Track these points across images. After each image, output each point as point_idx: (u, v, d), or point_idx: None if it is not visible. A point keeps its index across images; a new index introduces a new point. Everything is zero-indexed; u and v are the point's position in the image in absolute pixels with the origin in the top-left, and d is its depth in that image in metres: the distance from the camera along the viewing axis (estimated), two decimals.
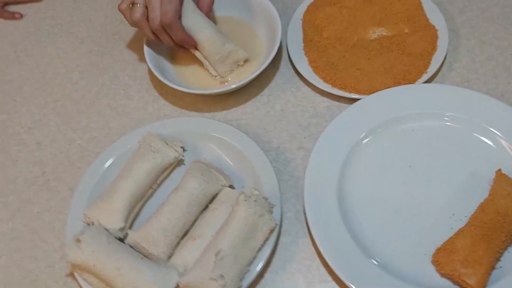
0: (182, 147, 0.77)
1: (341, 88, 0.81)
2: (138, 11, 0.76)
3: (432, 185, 0.71)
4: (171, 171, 0.77)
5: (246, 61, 0.85)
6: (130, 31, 0.95)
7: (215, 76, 0.84)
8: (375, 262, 0.65)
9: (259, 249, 0.67)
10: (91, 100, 0.88)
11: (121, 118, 0.85)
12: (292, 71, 0.87)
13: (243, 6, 0.89)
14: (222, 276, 0.62)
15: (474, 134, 0.74)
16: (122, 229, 0.70)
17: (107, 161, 0.77)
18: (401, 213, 0.69)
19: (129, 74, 0.90)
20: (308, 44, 0.86)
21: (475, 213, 0.66)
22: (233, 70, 0.84)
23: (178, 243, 0.69)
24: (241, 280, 0.65)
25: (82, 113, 0.87)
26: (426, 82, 0.80)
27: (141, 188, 0.72)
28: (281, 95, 0.84)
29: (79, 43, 0.95)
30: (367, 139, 0.75)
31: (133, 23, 0.78)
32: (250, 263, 0.66)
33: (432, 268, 0.65)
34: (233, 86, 0.79)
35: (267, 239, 0.67)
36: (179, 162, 0.77)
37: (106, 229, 0.69)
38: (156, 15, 0.74)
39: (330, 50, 0.85)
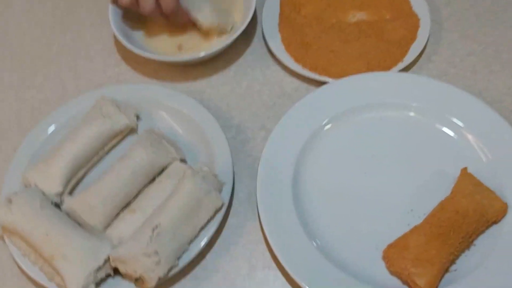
0: (136, 115, 0.72)
1: (311, 69, 0.76)
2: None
3: (393, 178, 0.67)
4: (121, 139, 0.72)
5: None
6: None
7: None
8: (323, 254, 0.61)
9: (202, 228, 0.62)
10: (50, 59, 0.83)
11: (79, 80, 0.80)
12: (265, 49, 0.82)
13: None
14: (156, 252, 0.58)
15: (438, 125, 0.70)
16: (59, 194, 0.66)
17: (54, 122, 0.72)
18: (358, 204, 0.65)
19: (93, 35, 0.85)
20: (284, 21, 0.82)
21: (433, 211, 0.62)
22: None
23: (118, 214, 0.65)
24: (178, 258, 0.60)
25: (39, 71, 0.82)
26: (401, 71, 0.76)
27: (86, 153, 0.68)
28: (249, 72, 0.80)
29: None
30: (330, 125, 0.71)
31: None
32: (191, 241, 0.62)
33: (382, 265, 0.61)
34: (200, 55, 0.75)
35: (212, 218, 0.63)
36: (131, 131, 0.73)
37: (43, 193, 0.65)
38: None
39: (306, 29, 0.80)
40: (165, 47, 0.80)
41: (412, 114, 0.71)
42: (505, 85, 0.75)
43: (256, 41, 0.83)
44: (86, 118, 0.70)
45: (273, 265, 0.63)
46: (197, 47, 0.80)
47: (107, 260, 0.59)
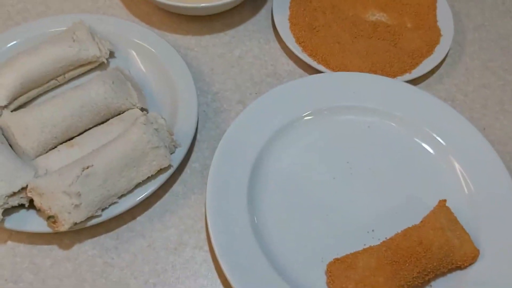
0: (110, 50, 0.66)
1: (310, 55, 0.69)
2: None
3: (362, 190, 0.60)
4: (87, 72, 0.66)
5: None
6: None
7: None
8: (263, 250, 0.54)
9: (139, 184, 0.56)
10: None
11: (65, 2, 0.74)
12: (269, 22, 0.76)
13: None
14: (79, 194, 0.51)
15: (425, 145, 0.63)
16: (2, 108, 0.59)
17: (25, 34, 0.66)
18: (316, 208, 0.58)
19: None
20: None
21: (395, 236, 0.55)
22: None
23: (55, 146, 0.58)
24: (102, 209, 0.54)
25: None
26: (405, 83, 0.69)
27: (42, 72, 0.61)
28: (245, 42, 0.73)
29: None
30: (309, 117, 0.64)
31: None
32: (122, 195, 0.55)
33: (323, 279, 0.54)
34: (201, 5, 0.68)
35: (153, 177, 0.56)
36: (101, 66, 0.66)
37: None
38: None
39: (318, 14, 0.74)
40: None
41: (399, 127, 0.64)
42: None
43: (264, 12, 0.77)
44: (55, 37, 0.64)
45: (206, 247, 0.56)
46: None
47: (24, 188, 0.52)
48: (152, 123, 0.56)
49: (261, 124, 0.62)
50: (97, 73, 0.64)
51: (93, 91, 0.59)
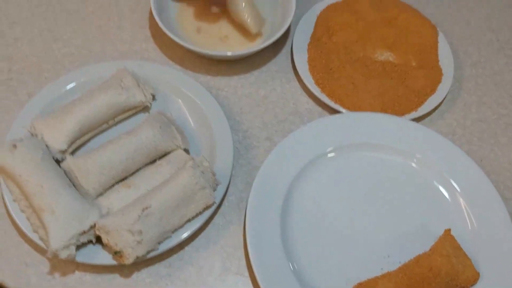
0: (152, 94, 0.74)
1: (328, 96, 0.78)
2: None
3: (379, 220, 0.69)
4: (133, 114, 0.74)
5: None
6: None
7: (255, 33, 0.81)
8: (296, 276, 0.63)
9: (188, 220, 0.64)
10: (83, 17, 0.84)
11: (105, 45, 0.82)
12: (289, 62, 0.84)
13: None
14: (140, 232, 0.60)
15: (435, 183, 0.72)
16: (62, 152, 0.67)
17: (74, 80, 0.74)
18: (339, 237, 0.67)
19: (130, 5, 0.87)
20: (315, 42, 0.84)
21: (409, 262, 0.64)
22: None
23: (112, 186, 0.66)
24: (159, 243, 0.62)
25: (69, 26, 0.83)
26: (412, 120, 0.78)
27: (96, 118, 0.69)
28: (269, 81, 0.82)
29: None
30: (332, 154, 0.73)
31: None
32: (174, 230, 0.63)
33: None
34: (228, 53, 0.77)
35: (200, 213, 0.65)
36: (144, 109, 0.75)
37: (47, 146, 0.66)
38: None
39: (333, 56, 0.82)
40: (187, 26, 0.82)
41: (413, 164, 0.73)
42: (507, 159, 0.78)
43: (284, 52, 0.85)
44: (104, 85, 0.71)
45: (246, 273, 0.65)
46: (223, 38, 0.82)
47: (93, 227, 0.61)
48: (198, 166, 0.65)
49: (289, 162, 0.70)
50: (145, 117, 0.71)
51: (144, 136, 0.67)
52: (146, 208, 0.61)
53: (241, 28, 0.82)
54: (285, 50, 0.85)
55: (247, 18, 0.80)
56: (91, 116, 0.69)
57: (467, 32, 0.91)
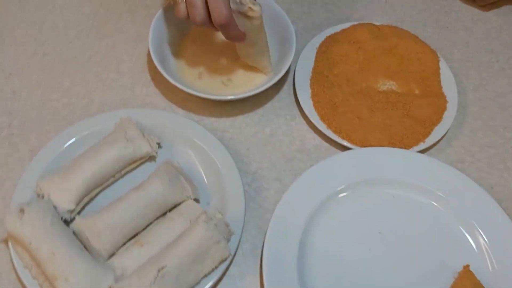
0: (158, 143, 0.73)
1: (335, 132, 0.77)
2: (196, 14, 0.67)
3: (396, 259, 0.68)
4: (139, 165, 0.73)
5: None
6: (144, 3, 0.90)
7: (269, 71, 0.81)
8: None
9: (205, 276, 0.63)
10: (81, 64, 0.83)
11: (105, 93, 0.80)
12: (292, 98, 0.83)
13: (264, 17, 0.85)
14: None
15: (459, 226, 0.71)
16: (71, 212, 0.66)
17: (78, 134, 0.72)
18: (357, 278, 0.67)
19: (127, 48, 0.86)
20: (316, 76, 0.83)
21: None
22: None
23: (124, 244, 0.65)
24: None
25: (68, 75, 0.82)
26: (421, 151, 0.77)
27: (103, 174, 0.68)
28: (274, 119, 0.81)
29: (86, 1, 0.90)
30: (344, 193, 0.72)
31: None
32: (192, 287, 0.62)
33: None
34: (229, 97, 0.76)
35: (216, 267, 0.64)
36: (151, 158, 0.73)
37: (54, 207, 0.65)
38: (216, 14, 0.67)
39: (336, 89, 0.81)
40: (202, 76, 0.81)
41: (427, 199, 0.72)
42: None
43: (286, 89, 0.84)
44: (109, 138, 0.70)
45: None
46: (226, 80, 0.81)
47: None
48: (211, 219, 0.63)
49: (302, 205, 0.70)
50: (150, 165, 0.70)
51: (153, 191, 0.66)
52: (162, 268, 0.60)
53: (244, 70, 0.82)
54: (287, 86, 0.85)
55: (265, 63, 0.80)
56: (97, 173, 0.67)
57: (466, 55, 0.91)
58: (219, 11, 0.66)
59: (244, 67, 0.82)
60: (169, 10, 0.81)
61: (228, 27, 0.68)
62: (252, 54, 0.78)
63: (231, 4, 0.67)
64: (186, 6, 0.68)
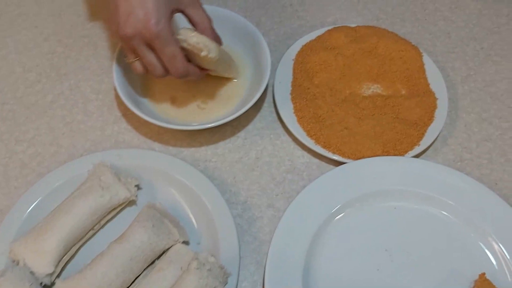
0: (136, 185, 0.67)
1: (324, 147, 0.72)
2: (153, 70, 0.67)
3: (407, 276, 0.63)
4: (119, 212, 0.67)
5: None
6: (103, 36, 0.84)
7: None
8: None
9: None
10: (44, 109, 0.77)
11: (74, 136, 0.75)
12: (275, 115, 0.78)
13: (235, 34, 0.80)
14: None
15: (470, 233, 0.66)
16: (50, 275, 0.60)
17: (49, 187, 0.67)
18: None
19: (92, 85, 0.80)
20: (297, 89, 0.78)
21: None
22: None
23: None
24: None
25: (31, 123, 0.76)
26: (417, 155, 0.73)
27: (80, 229, 0.62)
28: (258, 141, 0.76)
29: (42, 40, 0.84)
30: (342, 213, 0.67)
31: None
32: None
33: None
34: (207, 125, 0.70)
35: None
36: (131, 203, 0.68)
37: (31, 272, 0.59)
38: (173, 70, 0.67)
39: (319, 101, 0.77)
40: (176, 106, 0.75)
41: (430, 207, 0.68)
42: None
43: (267, 106, 0.79)
44: (83, 188, 0.64)
45: None
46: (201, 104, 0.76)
47: None
48: (204, 264, 0.58)
49: (300, 231, 0.64)
50: (131, 210, 0.65)
51: (137, 241, 0.60)
52: None
53: (219, 90, 0.77)
54: (267, 103, 0.79)
55: (233, 73, 0.78)
56: (74, 229, 0.62)
57: (449, 46, 0.87)
58: (174, 70, 0.66)
59: (218, 87, 0.77)
60: None
61: (187, 76, 0.68)
62: (219, 71, 0.74)
63: (185, 44, 0.65)
64: (142, 64, 0.67)
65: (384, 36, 0.83)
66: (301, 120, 0.75)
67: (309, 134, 0.74)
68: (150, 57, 0.65)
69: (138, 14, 0.61)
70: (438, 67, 0.81)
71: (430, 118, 0.75)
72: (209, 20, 0.70)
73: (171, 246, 0.63)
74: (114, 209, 0.66)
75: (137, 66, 0.68)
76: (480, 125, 0.78)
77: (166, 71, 0.67)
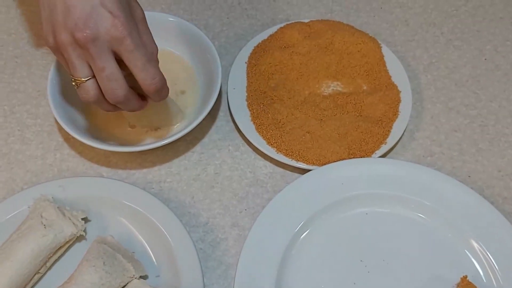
0: (84, 218, 0.61)
1: (287, 155, 0.67)
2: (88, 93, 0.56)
3: (385, 287, 0.59)
4: (67, 249, 0.61)
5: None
6: (37, 55, 0.77)
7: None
8: None
9: None
10: None
11: (12, 169, 0.68)
12: (232, 125, 0.73)
13: (181, 40, 0.74)
14: None
15: (447, 234, 0.62)
16: None
17: None
18: None
19: (29, 110, 0.73)
20: (252, 94, 0.73)
21: None
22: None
23: None
24: None
25: None
26: (384, 154, 0.69)
27: (23, 276, 0.56)
28: (216, 154, 0.70)
29: None
30: (312, 225, 0.62)
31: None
32: None
33: None
34: (156, 144, 0.64)
35: None
36: (80, 238, 0.61)
37: None
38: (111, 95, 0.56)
39: (277, 105, 0.71)
40: (119, 125, 0.69)
41: (402, 209, 0.64)
42: (495, 167, 0.70)
43: (222, 115, 0.74)
44: (23, 228, 0.58)
45: None
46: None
47: None
48: None
49: (268, 249, 0.60)
50: (80, 246, 0.59)
51: (88, 284, 0.54)
52: None
53: (169, 104, 0.71)
54: (222, 112, 0.74)
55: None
56: (16, 276, 0.55)
57: (408, 34, 0.83)
58: (112, 96, 0.56)
59: (168, 101, 0.71)
60: None
61: (125, 104, 0.58)
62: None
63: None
64: (96, 84, 0.55)
65: (340, 29, 0.78)
66: (259, 127, 0.70)
67: (270, 142, 0.68)
68: (113, 67, 0.53)
69: (101, 12, 0.51)
70: (398, 57, 0.77)
71: (395, 113, 0.71)
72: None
73: (127, 283, 0.57)
74: (61, 247, 0.59)
75: (90, 88, 0.55)
76: (447, 115, 0.74)
77: (102, 97, 0.56)
